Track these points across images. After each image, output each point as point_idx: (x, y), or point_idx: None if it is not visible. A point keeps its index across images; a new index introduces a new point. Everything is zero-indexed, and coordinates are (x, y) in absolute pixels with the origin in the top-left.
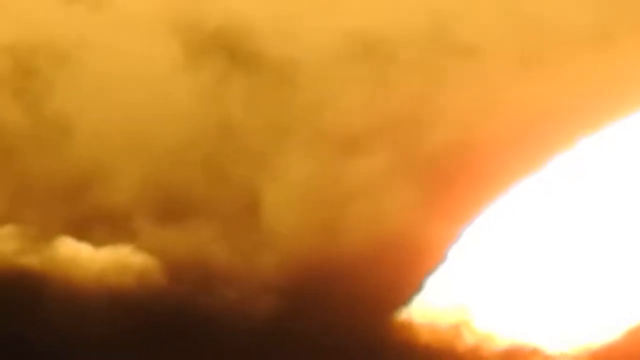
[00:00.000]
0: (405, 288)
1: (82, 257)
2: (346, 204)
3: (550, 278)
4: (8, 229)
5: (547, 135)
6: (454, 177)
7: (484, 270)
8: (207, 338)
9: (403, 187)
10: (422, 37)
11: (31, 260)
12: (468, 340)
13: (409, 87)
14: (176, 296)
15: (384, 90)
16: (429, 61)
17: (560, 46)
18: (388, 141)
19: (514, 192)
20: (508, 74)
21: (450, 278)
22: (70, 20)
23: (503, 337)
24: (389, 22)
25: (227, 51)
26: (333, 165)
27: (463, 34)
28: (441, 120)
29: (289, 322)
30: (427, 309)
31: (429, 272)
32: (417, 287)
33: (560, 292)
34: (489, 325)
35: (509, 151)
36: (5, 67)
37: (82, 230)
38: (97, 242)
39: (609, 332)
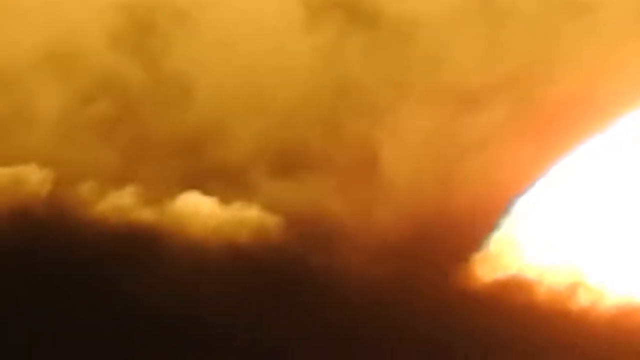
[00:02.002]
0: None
1: (200, 212)
2: (462, 159)
3: None
4: (127, 185)
5: None
6: (568, 132)
7: (589, 225)
8: (322, 295)
9: (517, 142)
10: None
11: (150, 215)
12: (582, 299)
13: (525, 43)
14: (292, 251)
15: (500, 47)
16: (544, 18)
17: None
18: (504, 97)
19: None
20: (623, 31)
21: (555, 234)
22: None
23: (616, 295)
24: None
25: (346, 9)
26: (449, 121)
27: None
28: (557, 76)
29: (403, 280)
30: (540, 267)
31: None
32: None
33: None
34: (601, 283)
35: (623, 105)
36: (124, 25)
37: (200, 186)
38: (215, 198)
39: None
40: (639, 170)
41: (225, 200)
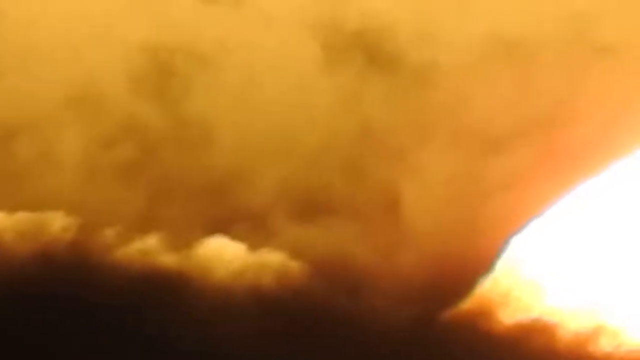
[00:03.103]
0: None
1: (222, 256)
2: (486, 202)
3: None
4: (151, 229)
5: None
6: (593, 174)
7: (610, 266)
8: (346, 339)
9: (542, 184)
10: (561, 37)
11: (172, 259)
12: (604, 343)
13: (549, 86)
14: (316, 296)
15: (523, 90)
16: (568, 61)
17: None
18: (528, 140)
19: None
20: None
21: (576, 276)
22: (210, 20)
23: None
24: (528, 21)
25: (366, 52)
26: (472, 164)
27: (602, 34)
28: (582, 118)
29: (427, 324)
30: (560, 310)
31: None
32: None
33: None
34: (623, 326)
35: None
36: (146, 68)
37: (222, 230)
38: (239, 242)
39: None
40: None
41: (248, 244)
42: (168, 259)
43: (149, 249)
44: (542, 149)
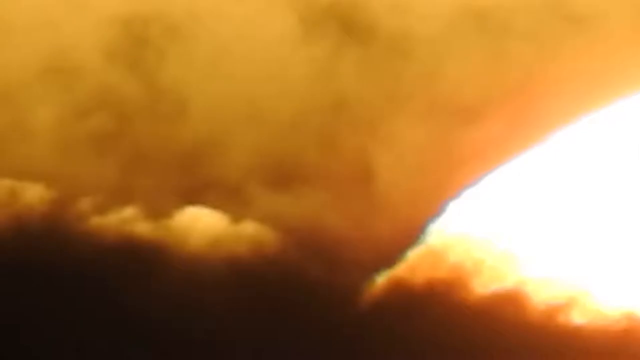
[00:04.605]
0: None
1: (196, 225)
2: (458, 171)
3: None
4: (124, 199)
5: None
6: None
7: (586, 237)
8: (320, 306)
9: (513, 155)
10: (534, 7)
11: (147, 229)
12: (575, 315)
13: (521, 57)
14: (289, 264)
15: (496, 61)
16: (541, 31)
17: None
18: (500, 110)
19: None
20: (621, 42)
21: (552, 246)
22: None
23: (612, 309)
24: None
25: (341, 23)
26: (445, 134)
27: (575, 5)
28: (554, 89)
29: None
30: (534, 281)
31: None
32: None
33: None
34: (598, 298)
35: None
36: (119, 39)
37: (197, 200)
38: (211, 211)
39: None
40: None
41: (223, 213)
42: (143, 229)
43: (123, 218)
44: (514, 119)
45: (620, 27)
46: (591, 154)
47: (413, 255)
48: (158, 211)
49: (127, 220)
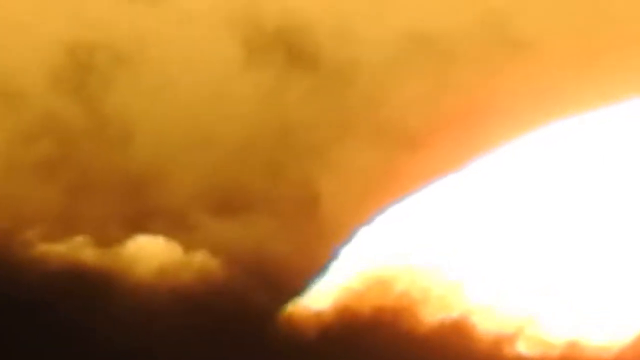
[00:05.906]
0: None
1: (142, 253)
2: (403, 197)
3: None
4: (69, 227)
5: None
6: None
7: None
8: (266, 335)
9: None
10: (479, 33)
11: (93, 257)
12: (521, 346)
13: (466, 82)
14: (235, 292)
15: (441, 86)
16: (485, 57)
17: (618, 41)
18: (444, 136)
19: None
20: (564, 69)
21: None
22: (128, 17)
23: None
24: (446, 18)
25: (287, 49)
26: (390, 160)
27: (519, 30)
28: (497, 113)
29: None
30: (480, 310)
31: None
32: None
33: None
34: (545, 328)
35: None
36: (65, 64)
37: (143, 227)
38: (157, 239)
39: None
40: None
41: (169, 241)
42: (88, 257)
43: (69, 246)
44: (458, 144)
45: (557, 51)
46: (535, 177)
47: (359, 283)
48: (105, 239)
49: (72, 248)
